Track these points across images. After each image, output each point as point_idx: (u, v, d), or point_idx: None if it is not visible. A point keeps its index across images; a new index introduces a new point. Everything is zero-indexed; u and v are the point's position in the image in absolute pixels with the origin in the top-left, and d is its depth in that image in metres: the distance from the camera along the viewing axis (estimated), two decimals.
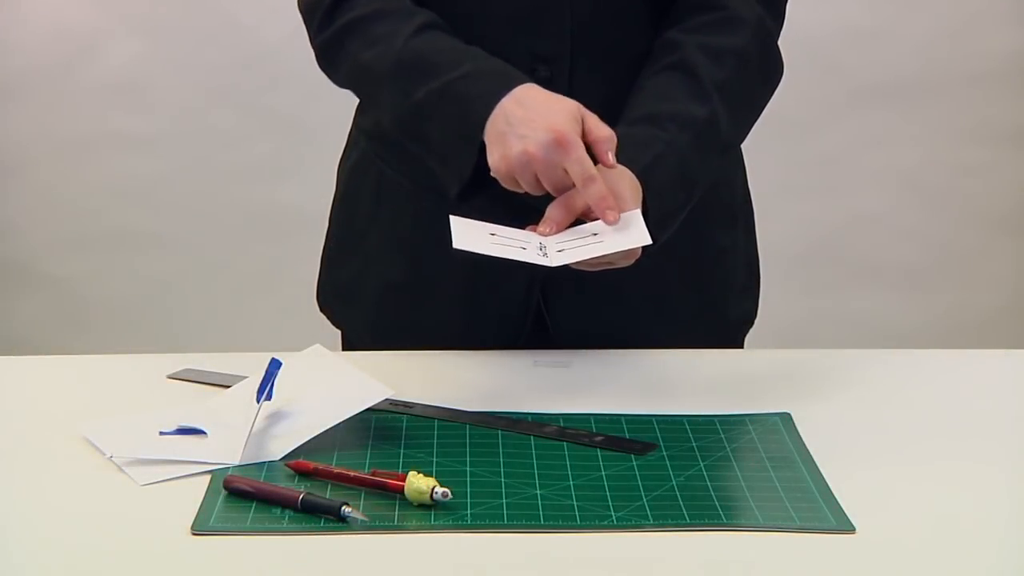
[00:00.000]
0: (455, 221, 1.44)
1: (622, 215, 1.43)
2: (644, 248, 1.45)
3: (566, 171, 1.43)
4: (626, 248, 1.43)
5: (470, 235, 1.43)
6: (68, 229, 3.44)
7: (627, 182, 1.48)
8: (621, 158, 1.48)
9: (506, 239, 1.44)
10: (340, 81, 1.64)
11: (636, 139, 1.53)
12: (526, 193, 1.47)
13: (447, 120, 1.51)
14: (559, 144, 1.43)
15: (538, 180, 1.45)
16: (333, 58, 1.62)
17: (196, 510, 1.24)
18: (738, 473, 1.34)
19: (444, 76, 1.51)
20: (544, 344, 1.68)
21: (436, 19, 1.58)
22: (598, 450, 1.37)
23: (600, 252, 1.42)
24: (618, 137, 1.50)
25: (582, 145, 1.44)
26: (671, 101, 1.56)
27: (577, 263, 1.42)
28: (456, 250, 1.41)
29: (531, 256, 1.42)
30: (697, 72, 1.57)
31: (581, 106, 1.47)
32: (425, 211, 1.67)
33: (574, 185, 1.44)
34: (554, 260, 1.42)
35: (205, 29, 3.35)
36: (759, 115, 1.66)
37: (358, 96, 1.67)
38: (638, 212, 1.45)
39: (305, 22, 1.65)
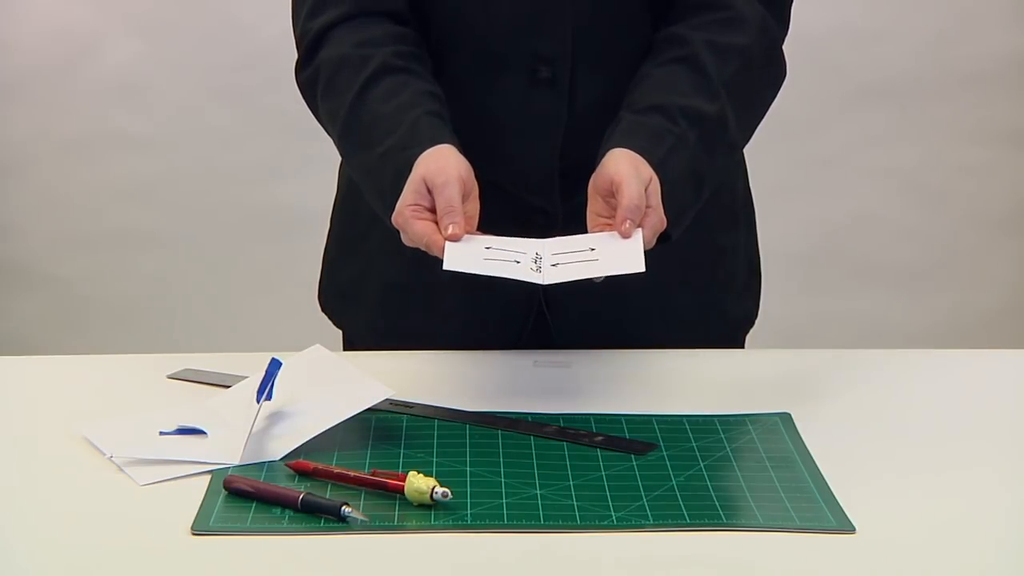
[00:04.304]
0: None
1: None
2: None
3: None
4: (619, 273, 1.42)
5: (462, 254, 1.43)
6: (68, 229, 3.43)
7: (644, 171, 1.48)
8: (635, 146, 1.49)
9: (501, 251, 1.44)
10: (318, 119, 1.66)
11: (650, 130, 1.53)
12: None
13: (375, 189, 1.56)
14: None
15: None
16: (309, 98, 1.66)
17: (196, 510, 1.24)
18: (738, 473, 1.34)
19: (375, 148, 1.55)
20: (544, 344, 1.68)
21: (391, 62, 1.59)
22: (598, 450, 1.37)
23: (593, 274, 1.42)
24: (630, 123, 1.52)
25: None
26: (681, 95, 1.56)
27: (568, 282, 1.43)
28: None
29: (524, 272, 1.42)
30: (706, 69, 1.57)
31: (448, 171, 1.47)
32: None
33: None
34: (547, 277, 1.42)
35: (205, 29, 3.35)
36: (763, 116, 1.66)
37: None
38: (639, 234, 1.45)
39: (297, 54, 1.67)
